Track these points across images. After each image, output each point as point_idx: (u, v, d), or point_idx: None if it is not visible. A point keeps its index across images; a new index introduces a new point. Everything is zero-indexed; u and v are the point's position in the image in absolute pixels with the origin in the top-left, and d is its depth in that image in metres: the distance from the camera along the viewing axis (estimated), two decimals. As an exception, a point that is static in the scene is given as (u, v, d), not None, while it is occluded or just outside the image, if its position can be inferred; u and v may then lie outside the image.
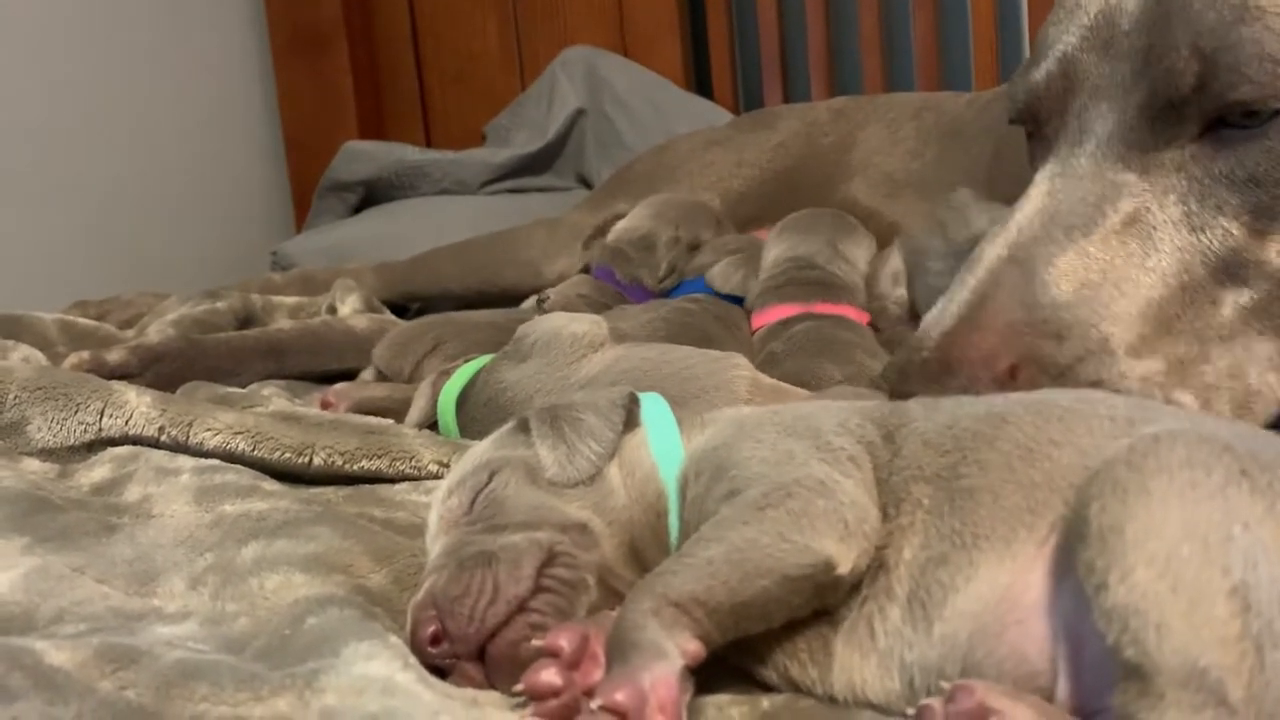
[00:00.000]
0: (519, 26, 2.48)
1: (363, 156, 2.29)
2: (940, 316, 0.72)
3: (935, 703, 0.47)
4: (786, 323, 1.15)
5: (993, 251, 0.72)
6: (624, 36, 2.40)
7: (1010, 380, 0.67)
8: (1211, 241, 0.68)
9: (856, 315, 1.19)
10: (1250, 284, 0.68)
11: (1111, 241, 0.69)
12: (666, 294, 1.36)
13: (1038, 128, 0.77)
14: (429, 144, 2.51)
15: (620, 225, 1.49)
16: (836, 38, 2.27)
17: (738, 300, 1.27)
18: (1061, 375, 0.67)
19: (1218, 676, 0.42)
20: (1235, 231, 0.68)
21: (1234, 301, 0.69)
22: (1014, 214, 0.73)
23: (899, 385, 0.70)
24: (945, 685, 0.47)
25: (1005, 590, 0.50)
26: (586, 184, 2.24)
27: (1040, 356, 0.67)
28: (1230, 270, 0.68)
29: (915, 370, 0.70)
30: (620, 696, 0.47)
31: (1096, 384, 0.67)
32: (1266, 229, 0.68)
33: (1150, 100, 0.69)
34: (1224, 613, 0.43)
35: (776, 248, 1.28)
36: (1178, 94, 0.68)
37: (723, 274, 1.31)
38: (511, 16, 2.48)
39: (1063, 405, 0.55)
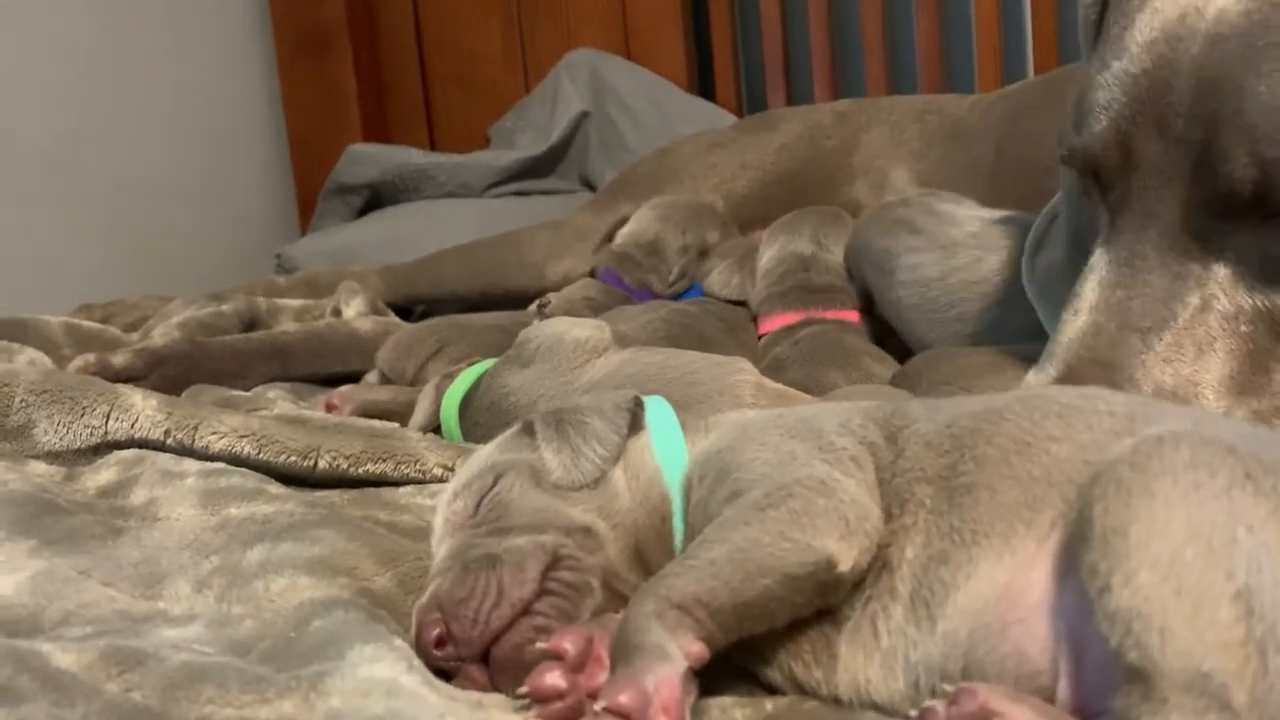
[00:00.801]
0: (522, 29, 2.48)
1: (367, 159, 2.29)
2: None
3: (938, 705, 0.47)
4: (791, 328, 1.15)
5: (1068, 343, 0.75)
6: (627, 39, 2.40)
7: None
8: (1274, 312, 0.72)
9: (853, 317, 1.19)
10: None
11: (1184, 341, 0.72)
12: (676, 298, 1.37)
13: (1100, 188, 0.78)
14: (433, 147, 2.51)
15: (626, 229, 1.49)
16: (839, 40, 2.27)
17: (738, 304, 1.28)
18: None
19: (1221, 681, 0.42)
20: None
21: None
22: (1083, 298, 0.76)
23: None
24: (948, 688, 0.47)
25: (1006, 588, 0.50)
26: (590, 186, 2.24)
27: None
28: None
29: None
30: (624, 698, 0.47)
31: None
32: None
33: (1209, 196, 0.71)
34: (1228, 617, 0.43)
35: (769, 250, 1.29)
36: (1238, 197, 0.70)
37: (720, 280, 1.31)
38: (515, 19, 2.48)
39: (1061, 401, 0.55)
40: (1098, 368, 0.73)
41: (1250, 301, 0.72)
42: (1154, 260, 0.74)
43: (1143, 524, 0.45)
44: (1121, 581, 0.44)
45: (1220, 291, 0.72)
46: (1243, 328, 0.72)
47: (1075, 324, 0.75)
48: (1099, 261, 0.76)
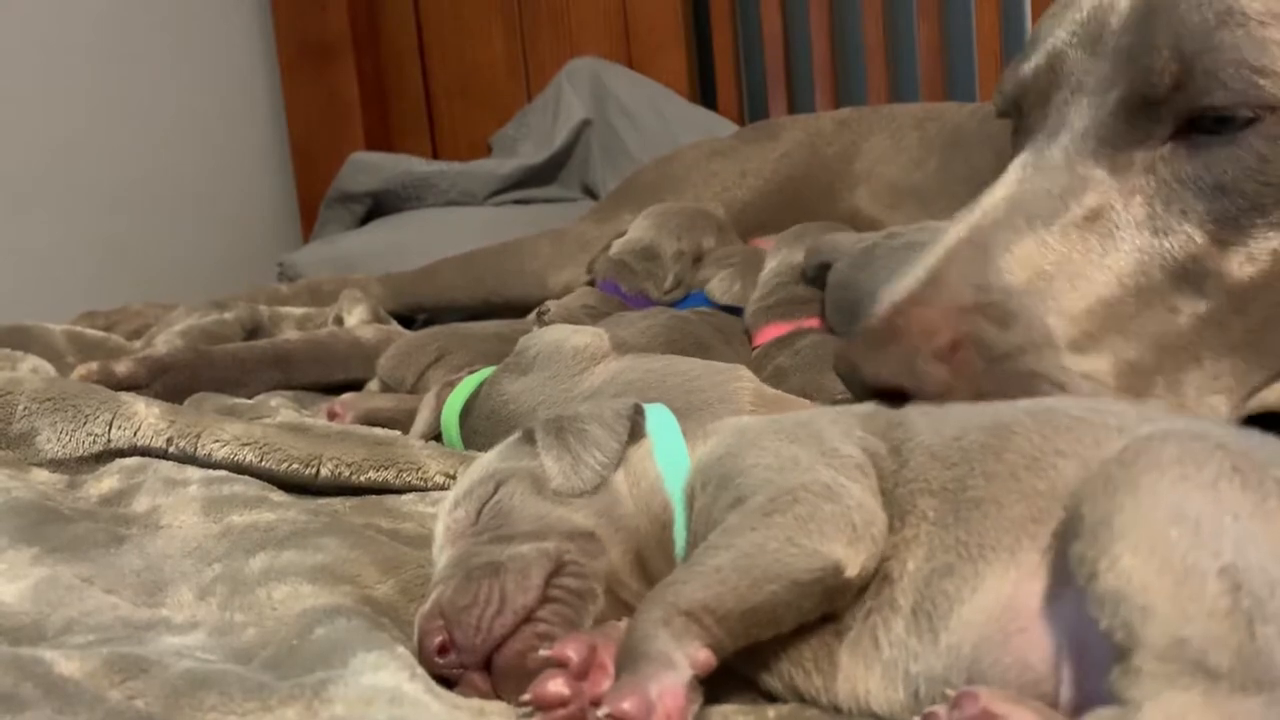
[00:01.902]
0: (525, 38, 2.49)
1: (370, 168, 2.30)
2: (893, 289, 0.71)
3: (940, 710, 0.47)
4: (784, 340, 1.15)
5: (954, 232, 0.72)
6: (629, 47, 2.41)
7: (950, 355, 0.66)
8: (1173, 246, 0.68)
9: None
10: (1208, 294, 0.67)
11: (1071, 235, 0.68)
12: (673, 306, 1.37)
13: (1020, 119, 0.77)
14: (435, 155, 2.52)
15: (622, 237, 1.49)
16: (841, 48, 2.28)
17: (737, 311, 1.28)
18: (999, 361, 0.66)
19: (1200, 646, 0.42)
20: (1198, 239, 0.67)
21: (1190, 311, 0.68)
22: (982, 198, 0.73)
23: (844, 351, 0.70)
24: (949, 692, 0.48)
25: (1009, 599, 0.50)
26: (592, 194, 2.25)
27: (981, 339, 0.67)
28: (1189, 278, 0.67)
29: (861, 336, 0.70)
30: (627, 705, 0.47)
31: (1034, 375, 0.66)
32: (1229, 239, 0.67)
33: (1127, 97, 0.69)
34: (1214, 589, 0.43)
35: (771, 262, 1.29)
36: (1154, 93, 0.68)
37: (720, 285, 1.32)
38: (517, 28, 2.49)
39: (1072, 415, 0.55)
40: (973, 247, 0.70)
41: (1150, 226, 0.68)
42: (1059, 160, 0.71)
43: (1127, 513, 0.45)
44: (1107, 566, 0.44)
45: (1120, 202, 0.69)
46: (1135, 252, 0.68)
47: (966, 216, 0.72)
48: (1006, 171, 0.74)
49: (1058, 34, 0.74)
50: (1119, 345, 0.67)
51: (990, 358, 0.66)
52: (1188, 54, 0.66)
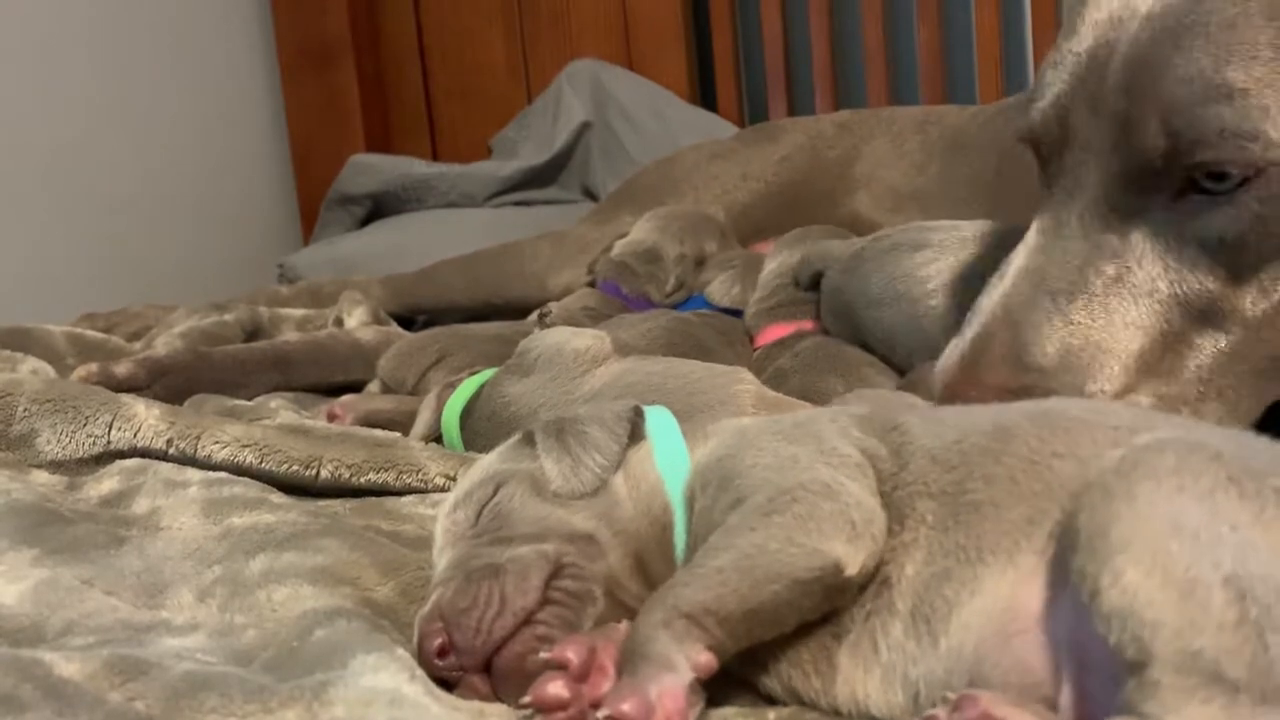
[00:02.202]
0: (525, 40, 2.49)
1: (370, 169, 2.30)
2: (945, 364, 0.79)
3: (940, 712, 0.47)
4: (785, 342, 1.15)
5: (988, 306, 0.78)
6: (629, 50, 2.41)
7: None
8: (1188, 294, 0.73)
9: None
10: (1227, 330, 0.73)
11: (1094, 306, 0.74)
12: (674, 309, 1.37)
13: (1041, 164, 0.81)
14: (435, 157, 2.52)
15: (624, 239, 1.49)
16: (841, 51, 2.28)
17: (737, 313, 1.28)
18: None
19: (1213, 658, 0.42)
20: (1211, 285, 0.72)
21: (1211, 346, 0.73)
22: (1009, 264, 0.79)
23: None
24: (950, 695, 0.48)
25: (1008, 601, 0.50)
26: (592, 196, 2.25)
27: None
28: (1208, 318, 0.73)
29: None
30: (626, 707, 0.47)
31: None
32: (1240, 281, 0.72)
33: (1127, 167, 0.73)
34: (1220, 600, 0.43)
35: (771, 264, 1.29)
36: (1149, 167, 0.72)
37: (720, 288, 1.32)
38: (517, 30, 2.49)
39: (1070, 416, 0.55)
40: (1008, 328, 0.76)
41: (1166, 280, 0.73)
42: (1075, 229, 0.76)
43: (1125, 524, 0.45)
44: (1110, 582, 0.44)
45: (1135, 264, 0.74)
46: (1155, 305, 0.73)
47: (998, 288, 0.78)
48: (1030, 232, 0.79)
49: (1060, 84, 0.77)
50: (1150, 385, 0.73)
51: None
52: (1174, 130, 0.70)
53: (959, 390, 0.76)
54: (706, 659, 0.51)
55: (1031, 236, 0.79)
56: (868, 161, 1.59)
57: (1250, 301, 0.72)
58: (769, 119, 2.20)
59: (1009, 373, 0.74)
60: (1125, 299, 0.74)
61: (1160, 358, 0.73)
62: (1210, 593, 0.43)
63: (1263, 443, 0.52)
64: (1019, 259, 0.78)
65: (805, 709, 0.54)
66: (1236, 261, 0.72)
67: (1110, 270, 0.74)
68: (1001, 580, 0.51)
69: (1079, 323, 0.74)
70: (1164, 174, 0.72)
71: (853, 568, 0.52)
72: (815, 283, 1.21)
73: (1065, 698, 0.48)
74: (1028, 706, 0.47)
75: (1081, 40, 0.77)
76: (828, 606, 0.53)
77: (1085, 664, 0.47)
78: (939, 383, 0.78)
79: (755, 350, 1.20)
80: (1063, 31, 0.80)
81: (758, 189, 1.65)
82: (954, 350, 0.79)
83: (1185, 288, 0.73)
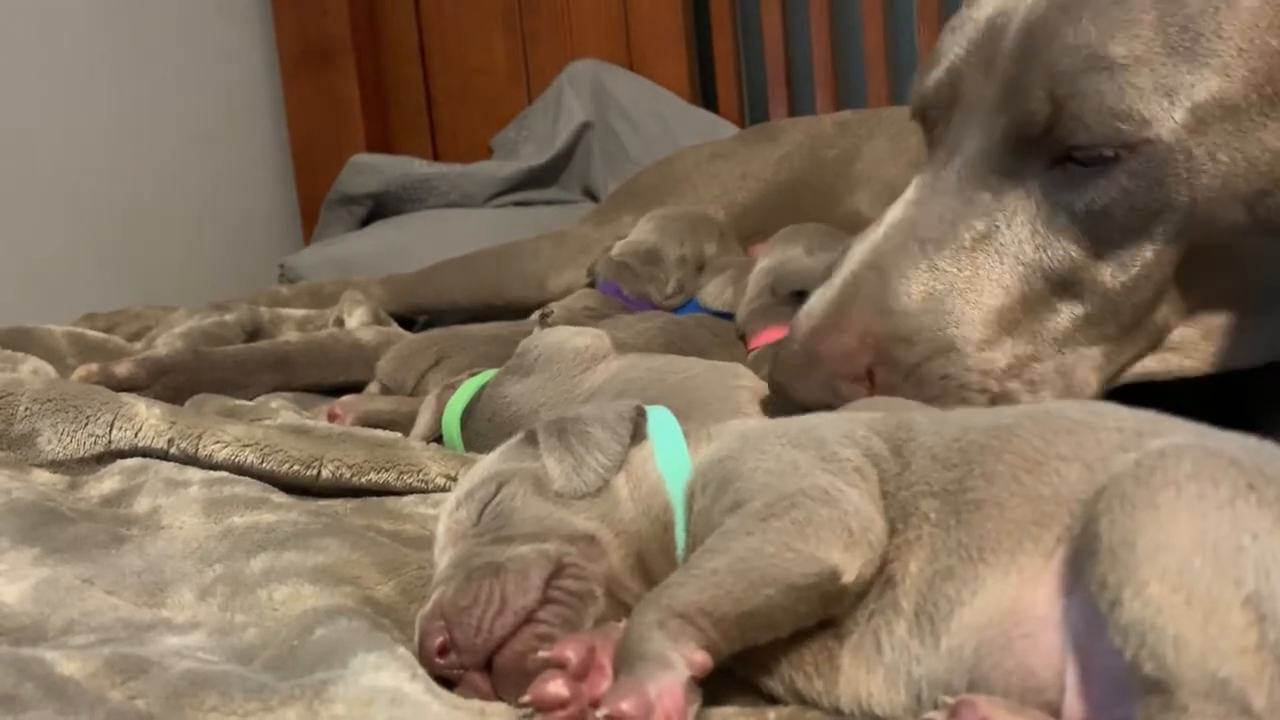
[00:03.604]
0: (525, 40, 2.49)
1: (370, 170, 2.30)
2: (810, 312, 0.81)
3: (938, 716, 0.47)
4: (780, 345, 1.15)
5: (857, 255, 0.80)
6: (630, 50, 2.41)
7: (867, 379, 0.77)
8: (1052, 260, 0.76)
9: None
10: (1084, 299, 0.76)
11: (961, 258, 0.77)
12: (673, 312, 1.37)
13: (927, 131, 0.84)
14: (436, 157, 2.52)
15: (624, 240, 1.49)
16: (841, 51, 2.28)
17: (730, 317, 1.28)
18: (911, 372, 0.77)
19: (1239, 686, 0.42)
20: (1074, 254, 0.75)
21: (1070, 312, 0.77)
22: (884, 218, 0.81)
23: (774, 376, 0.81)
24: (948, 700, 0.48)
25: (1012, 603, 0.50)
26: (593, 197, 2.25)
27: (892, 358, 0.77)
28: (1068, 286, 0.76)
29: (786, 360, 0.80)
30: (626, 705, 0.47)
31: (944, 377, 0.76)
32: (1102, 253, 0.75)
33: (1009, 130, 0.76)
34: (1240, 623, 0.43)
35: (762, 263, 1.30)
36: (1031, 131, 0.75)
37: (713, 292, 1.33)
38: (518, 30, 2.49)
39: (1071, 418, 0.55)
40: (876, 273, 0.78)
41: (1032, 245, 0.76)
42: (951, 185, 0.79)
43: (1149, 536, 0.45)
44: (1132, 594, 0.44)
45: (1005, 224, 0.77)
46: (1019, 268, 0.76)
47: (869, 237, 0.81)
48: (909, 188, 0.82)
49: (956, 50, 0.80)
50: (1009, 344, 0.77)
51: (903, 372, 0.77)
52: (1058, 97, 0.73)
53: (823, 334, 0.78)
54: (702, 658, 0.51)
55: (910, 191, 0.81)
56: (867, 160, 1.60)
57: (1110, 274, 0.75)
58: (769, 118, 2.20)
59: (873, 315, 0.77)
60: (992, 256, 0.77)
61: (1020, 319, 0.76)
62: (1230, 614, 0.43)
63: (1269, 447, 0.52)
64: (894, 212, 0.81)
65: (806, 709, 0.54)
66: (1101, 233, 0.74)
67: (980, 226, 0.77)
68: (1004, 581, 0.51)
69: (945, 270, 0.77)
70: (1042, 143, 0.74)
71: (849, 575, 0.52)
72: (798, 301, 1.21)
73: (1069, 704, 0.48)
74: (1027, 712, 0.47)
75: (983, 8, 0.80)
76: (823, 613, 0.53)
77: (1091, 671, 0.47)
78: (804, 326, 0.80)
79: (750, 352, 1.20)
80: (967, 1, 0.83)
81: (757, 189, 1.65)
82: (821, 295, 0.81)
83: (1049, 253, 0.76)
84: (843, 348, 0.77)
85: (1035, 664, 0.49)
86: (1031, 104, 0.74)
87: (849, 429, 0.60)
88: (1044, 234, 0.76)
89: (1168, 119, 0.71)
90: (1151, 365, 0.79)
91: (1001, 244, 0.77)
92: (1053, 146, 0.74)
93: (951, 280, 0.77)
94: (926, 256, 0.77)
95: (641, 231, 1.48)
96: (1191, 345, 0.79)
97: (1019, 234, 0.76)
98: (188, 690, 0.54)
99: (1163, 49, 0.72)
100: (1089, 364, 0.77)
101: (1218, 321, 0.78)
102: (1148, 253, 0.75)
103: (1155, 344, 0.79)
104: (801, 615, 0.53)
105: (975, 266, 0.77)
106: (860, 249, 0.81)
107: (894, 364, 0.77)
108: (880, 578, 0.54)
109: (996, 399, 0.76)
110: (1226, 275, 0.77)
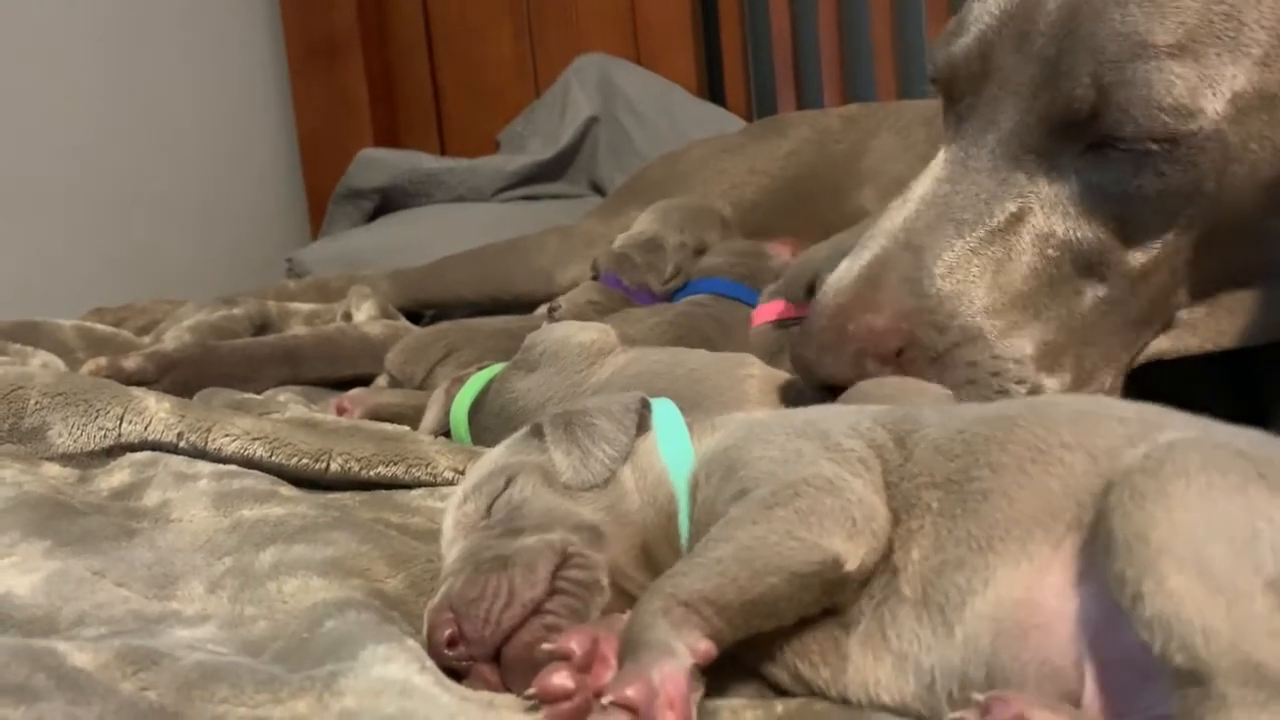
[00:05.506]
0: (532, 34, 2.49)
1: (378, 164, 2.30)
2: (838, 285, 0.79)
3: (970, 714, 0.47)
4: (782, 324, 1.15)
5: (888, 229, 0.79)
6: (637, 44, 2.41)
7: (895, 360, 0.76)
8: (1082, 243, 0.75)
9: None
10: (1109, 281, 0.76)
11: (995, 240, 0.76)
12: (671, 296, 1.37)
13: (952, 101, 0.82)
14: (443, 152, 2.52)
15: (626, 232, 1.49)
16: (849, 44, 2.28)
17: (734, 296, 1.28)
18: (940, 358, 0.76)
19: (1276, 668, 0.42)
20: (1103, 237, 0.75)
21: (1093, 295, 0.76)
22: (914, 190, 0.80)
23: (798, 350, 0.79)
24: (979, 697, 0.47)
25: (1024, 593, 0.50)
26: (600, 191, 2.25)
27: (922, 341, 0.76)
28: (1094, 269, 0.76)
29: (813, 335, 0.78)
30: (630, 692, 0.48)
31: (971, 365, 0.76)
32: (1131, 236, 0.75)
33: (1049, 112, 0.75)
34: (1265, 607, 0.43)
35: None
36: (1074, 117, 0.74)
37: (711, 260, 1.33)
38: (525, 24, 2.49)
39: (1070, 408, 0.56)
40: (910, 251, 0.77)
41: (1063, 227, 0.76)
42: (985, 163, 0.78)
43: (1163, 528, 0.45)
44: (1154, 588, 0.44)
45: (1037, 206, 0.76)
46: (1050, 251, 0.76)
47: (900, 211, 0.79)
48: (936, 161, 0.81)
49: (987, 19, 0.79)
50: (1036, 330, 0.76)
51: (931, 357, 0.76)
52: (1104, 85, 0.72)
53: (853, 311, 0.76)
54: (705, 646, 0.51)
55: (938, 166, 0.80)
56: (875, 155, 1.59)
57: (1134, 257, 0.75)
58: (777, 113, 2.19)
59: (906, 296, 0.76)
60: (1024, 238, 0.76)
61: (1045, 304, 0.76)
62: (1253, 599, 0.43)
63: (1273, 439, 0.52)
64: (923, 186, 0.80)
65: (814, 699, 0.55)
66: (1133, 217, 0.74)
67: (1013, 208, 0.76)
68: (1015, 571, 0.51)
69: (978, 252, 0.76)
70: (1084, 126, 0.74)
71: (852, 563, 0.52)
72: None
73: (1089, 693, 0.48)
74: (1060, 708, 0.47)
75: None
76: (827, 601, 0.54)
77: (1110, 661, 0.47)
78: (832, 302, 0.78)
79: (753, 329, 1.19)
80: None
81: (765, 183, 1.65)
82: (849, 268, 0.79)
83: (1079, 235, 0.75)
84: (874, 327, 0.76)
85: (1051, 654, 0.49)
86: (1076, 89, 0.73)
87: (854, 420, 0.60)
88: (1075, 217, 0.75)
89: (1211, 110, 0.71)
90: (1163, 345, 0.79)
91: (1034, 226, 0.76)
92: (1093, 132, 0.73)
93: (984, 264, 0.76)
94: (961, 237, 0.76)
95: (643, 223, 1.48)
96: (1200, 323, 0.79)
97: (1051, 217, 0.76)
98: (199, 681, 0.54)
99: (1207, 37, 0.71)
100: (1103, 352, 0.77)
101: (1227, 299, 0.78)
102: (1170, 235, 0.75)
103: (1167, 325, 0.79)
104: (805, 603, 0.53)
105: (1007, 249, 0.76)
106: (890, 223, 0.79)
107: (923, 347, 0.76)
108: (886, 568, 0.54)
109: (1033, 390, 0.75)
110: (1239, 254, 0.76)
